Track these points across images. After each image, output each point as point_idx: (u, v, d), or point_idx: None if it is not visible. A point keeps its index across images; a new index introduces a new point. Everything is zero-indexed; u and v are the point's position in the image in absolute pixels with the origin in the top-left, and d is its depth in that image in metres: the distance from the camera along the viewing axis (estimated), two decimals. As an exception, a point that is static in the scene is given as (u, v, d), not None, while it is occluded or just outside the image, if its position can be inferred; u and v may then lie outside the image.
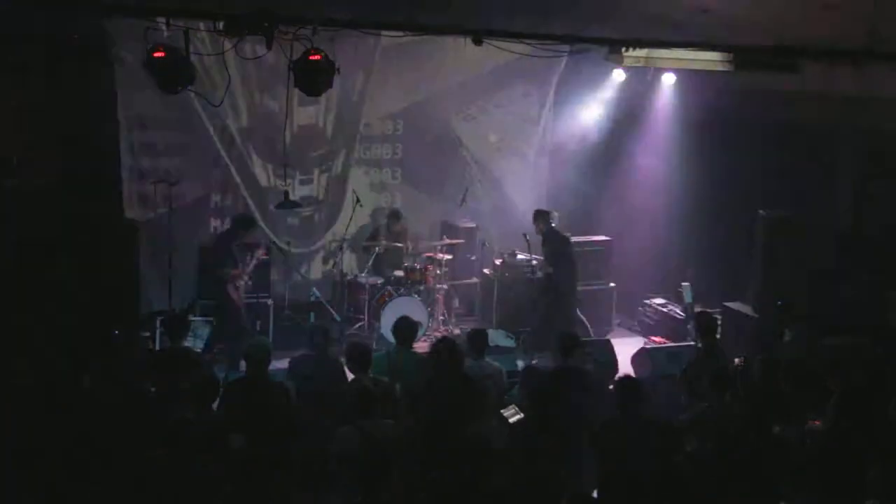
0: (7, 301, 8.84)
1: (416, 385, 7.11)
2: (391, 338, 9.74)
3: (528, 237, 11.40)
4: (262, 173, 11.87)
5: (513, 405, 6.93)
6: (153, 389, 7.32)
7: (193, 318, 10.30)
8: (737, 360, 8.53)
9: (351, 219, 11.64)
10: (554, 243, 11.00)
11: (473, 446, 5.88)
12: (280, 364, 8.34)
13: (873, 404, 6.84)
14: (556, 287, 10.90)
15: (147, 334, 10.15)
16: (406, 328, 7.80)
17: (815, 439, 6.57)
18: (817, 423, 6.86)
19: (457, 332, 11.37)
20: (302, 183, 12.03)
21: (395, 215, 11.88)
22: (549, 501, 5.31)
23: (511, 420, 6.76)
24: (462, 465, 5.67)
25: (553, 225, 11.05)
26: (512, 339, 11.29)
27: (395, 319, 8.01)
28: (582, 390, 7.39)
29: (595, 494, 6.29)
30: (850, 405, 6.80)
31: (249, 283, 10.24)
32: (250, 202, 11.82)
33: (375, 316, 11.07)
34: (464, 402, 6.86)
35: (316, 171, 12.18)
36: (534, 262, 11.52)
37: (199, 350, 9.49)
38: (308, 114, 11.89)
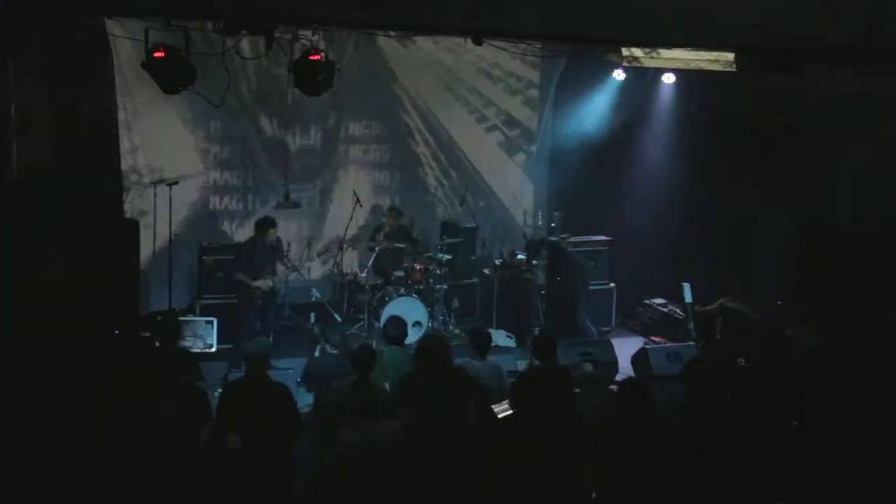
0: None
1: (405, 381, 7.05)
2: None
3: (527, 237, 11.38)
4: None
5: (506, 401, 6.93)
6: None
7: (194, 319, 10.32)
8: (740, 360, 8.52)
9: (351, 218, 11.62)
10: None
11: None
12: (280, 364, 8.36)
13: (869, 405, 6.85)
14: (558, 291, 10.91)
15: (147, 334, 10.14)
16: (393, 328, 7.79)
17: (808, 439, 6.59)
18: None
19: (457, 332, 11.39)
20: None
21: (395, 212, 11.87)
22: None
23: (500, 415, 6.77)
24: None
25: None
26: (512, 339, 11.30)
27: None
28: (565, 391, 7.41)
29: (594, 495, 6.33)
30: (849, 405, 6.81)
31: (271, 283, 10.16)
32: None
33: (375, 316, 11.06)
34: (455, 396, 6.83)
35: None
36: (534, 262, 11.53)
37: (198, 350, 9.48)
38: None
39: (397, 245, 11.57)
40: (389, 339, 7.77)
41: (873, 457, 6.13)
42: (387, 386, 7.29)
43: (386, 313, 10.67)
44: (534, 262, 11.57)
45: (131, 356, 8.74)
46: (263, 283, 9.77)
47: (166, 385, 6.82)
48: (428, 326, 11.06)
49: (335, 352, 7.62)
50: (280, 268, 10.20)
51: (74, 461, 6.18)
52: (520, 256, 11.95)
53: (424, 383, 6.82)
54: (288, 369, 8.91)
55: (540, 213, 13.06)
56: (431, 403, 6.68)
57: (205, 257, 10.94)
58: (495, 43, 8.44)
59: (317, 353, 7.90)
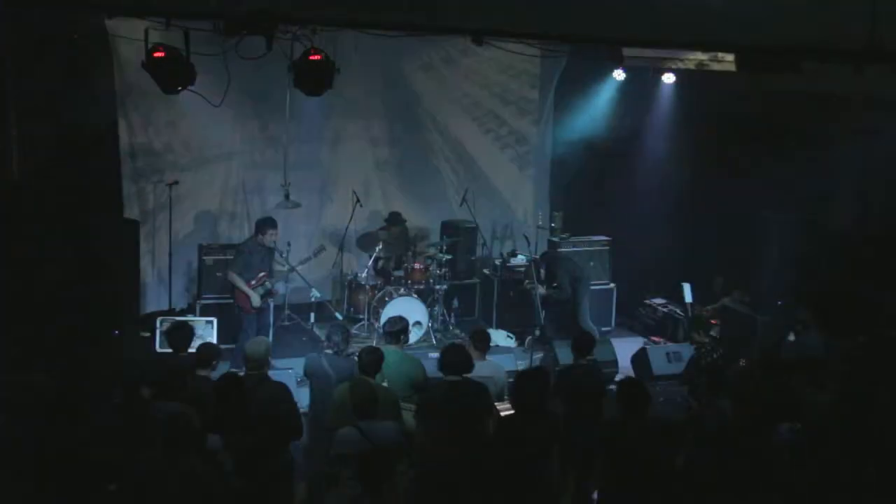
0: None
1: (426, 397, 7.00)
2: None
3: (528, 238, 11.37)
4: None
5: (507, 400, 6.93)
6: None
7: (194, 318, 10.31)
8: (741, 361, 8.52)
9: (351, 219, 11.62)
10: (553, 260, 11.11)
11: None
12: (280, 364, 8.34)
13: (871, 406, 6.83)
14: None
15: (147, 334, 10.14)
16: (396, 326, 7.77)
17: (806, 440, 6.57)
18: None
19: (457, 332, 11.40)
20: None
21: (394, 218, 11.85)
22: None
23: (502, 413, 6.77)
24: None
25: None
26: (512, 338, 11.31)
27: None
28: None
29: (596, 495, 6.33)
30: (849, 407, 6.79)
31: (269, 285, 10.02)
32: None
33: (375, 316, 11.06)
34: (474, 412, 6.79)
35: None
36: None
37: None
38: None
39: (398, 252, 11.62)
40: (389, 338, 7.75)
41: (874, 462, 6.12)
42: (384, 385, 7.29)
43: (386, 313, 10.67)
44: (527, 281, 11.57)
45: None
46: (255, 298, 9.64)
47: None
48: (428, 326, 11.07)
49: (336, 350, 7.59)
50: (278, 269, 10.15)
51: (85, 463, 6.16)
52: (520, 257, 11.95)
53: (447, 399, 6.69)
54: (288, 369, 8.91)
55: (540, 213, 13.06)
56: (454, 419, 6.58)
57: (205, 257, 10.94)
58: (495, 43, 8.42)
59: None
